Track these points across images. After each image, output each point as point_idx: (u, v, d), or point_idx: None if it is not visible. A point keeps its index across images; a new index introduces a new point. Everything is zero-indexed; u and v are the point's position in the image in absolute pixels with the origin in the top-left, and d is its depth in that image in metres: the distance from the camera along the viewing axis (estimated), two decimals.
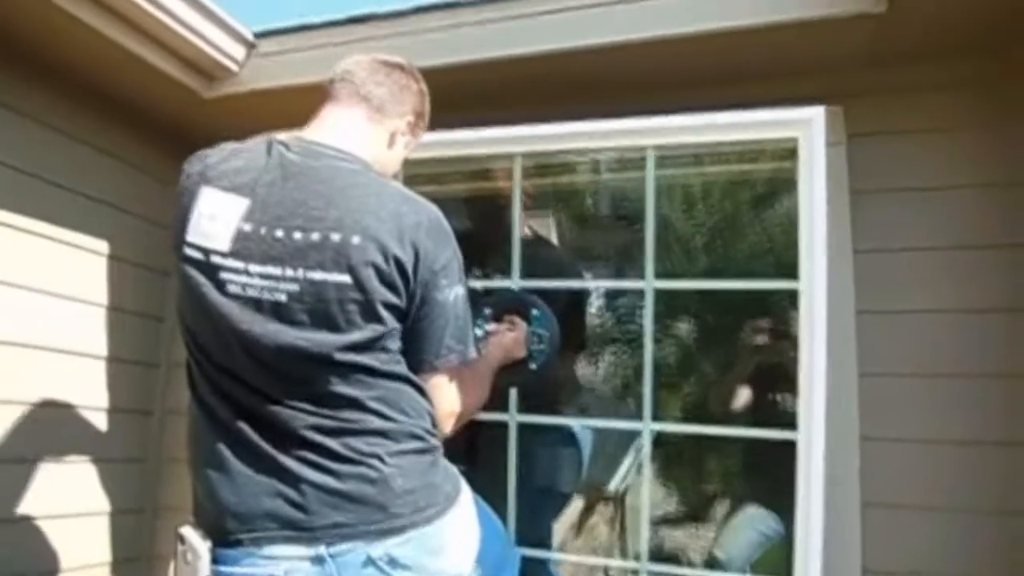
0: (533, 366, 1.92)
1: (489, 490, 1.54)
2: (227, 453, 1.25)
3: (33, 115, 2.17)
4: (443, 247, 1.32)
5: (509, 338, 1.88)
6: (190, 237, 1.27)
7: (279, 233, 1.24)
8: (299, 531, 1.22)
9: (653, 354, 2.04)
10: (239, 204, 1.26)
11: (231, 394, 1.28)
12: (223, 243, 1.25)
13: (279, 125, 1.83)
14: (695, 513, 3.61)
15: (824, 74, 2.02)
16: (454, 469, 1.41)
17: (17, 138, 2.13)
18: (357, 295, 1.23)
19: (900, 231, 1.98)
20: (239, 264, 1.24)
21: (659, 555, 1.97)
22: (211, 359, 1.29)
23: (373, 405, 1.27)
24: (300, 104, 1.59)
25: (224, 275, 1.25)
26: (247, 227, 1.25)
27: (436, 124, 1.66)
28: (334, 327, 1.24)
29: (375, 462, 1.24)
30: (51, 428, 2.20)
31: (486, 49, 2.09)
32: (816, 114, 1.87)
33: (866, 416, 1.92)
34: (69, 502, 2.24)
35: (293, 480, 1.22)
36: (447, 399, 1.39)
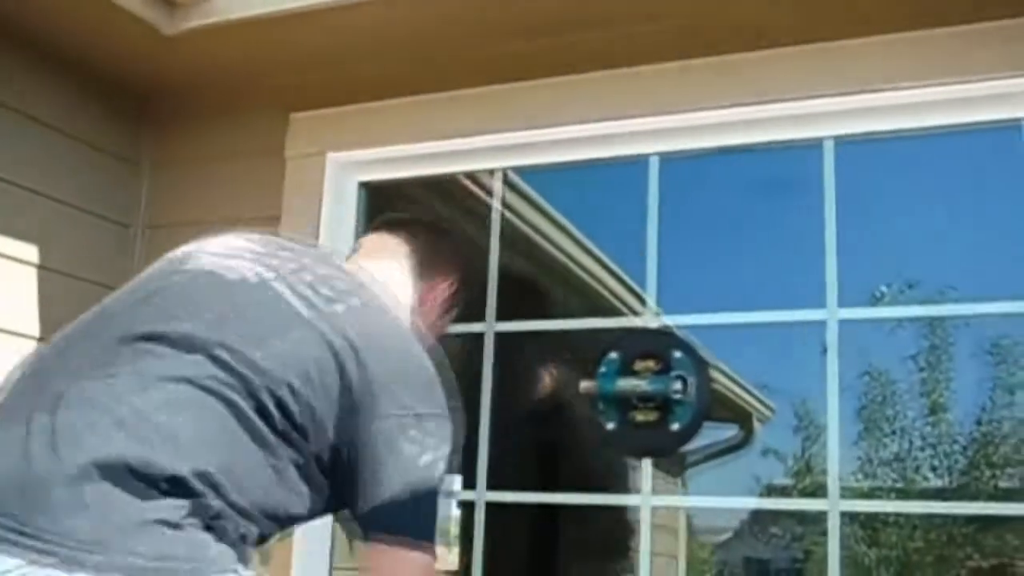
0: (675, 426, 1.44)
1: None
2: None
3: None
4: (425, 393, 0.98)
5: None
6: None
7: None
8: None
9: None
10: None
11: None
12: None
13: (256, 71, 1.34)
14: None
15: None
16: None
17: None
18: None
19: None
20: None
21: None
22: None
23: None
24: (286, 40, 1.09)
25: None
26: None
27: None
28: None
29: None
30: None
31: None
32: None
33: None
34: None
35: None
36: None
